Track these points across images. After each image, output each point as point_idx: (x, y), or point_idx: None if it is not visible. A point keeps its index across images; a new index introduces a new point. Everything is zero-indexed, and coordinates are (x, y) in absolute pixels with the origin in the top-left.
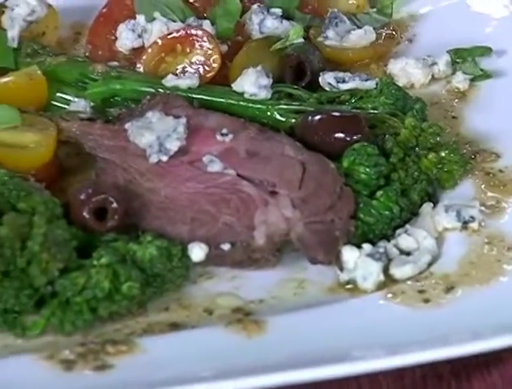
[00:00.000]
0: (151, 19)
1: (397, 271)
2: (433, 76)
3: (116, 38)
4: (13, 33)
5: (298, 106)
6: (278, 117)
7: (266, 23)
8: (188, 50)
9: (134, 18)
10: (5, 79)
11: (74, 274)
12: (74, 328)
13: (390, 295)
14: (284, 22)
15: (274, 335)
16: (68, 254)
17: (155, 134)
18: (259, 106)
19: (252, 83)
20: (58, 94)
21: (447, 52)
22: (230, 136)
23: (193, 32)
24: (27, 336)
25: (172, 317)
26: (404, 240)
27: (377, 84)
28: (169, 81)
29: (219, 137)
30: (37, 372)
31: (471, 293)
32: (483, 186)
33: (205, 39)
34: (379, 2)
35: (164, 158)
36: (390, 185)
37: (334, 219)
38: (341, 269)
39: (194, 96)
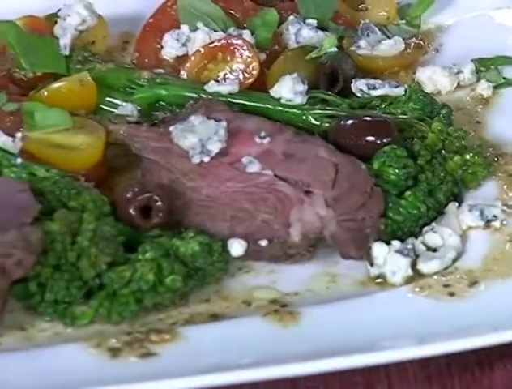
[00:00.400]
0: (194, 29)
1: (424, 267)
2: (458, 84)
3: (161, 47)
4: (65, 41)
5: (331, 111)
6: (312, 121)
7: (302, 34)
8: (229, 58)
9: (179, 28)
10: (57, 84)
11: (120, 267)
12: (120, 318)
13: (417, 289)
14: (319, 32)
15: (308, 325)
16: (115, 248)
17: (198, 136)
18: (295, 111)
19: (288, 90)
20: (107, 98)
21: (472, 61)
22: (268, 139)
23: (233, 41)
24: (77, 325)
25: (212, 308)
26: (431, 237)
27: (405, 91)
28: (211, 87)
29: (257, 139)
30: (86, 359)
31: (493, 288)
32: (505, 187)
33: (245, 48)
34: (408, 14)
35: (206, 159)
36: (417, 185)
37: (365, 217)
38: (371, 264)
39: (234, 100)
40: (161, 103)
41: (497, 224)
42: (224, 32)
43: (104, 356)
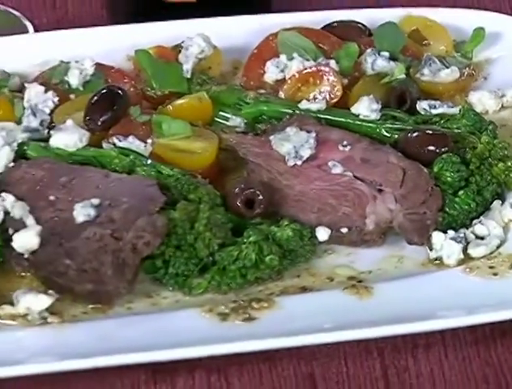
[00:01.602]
0: (290, 58)
1: (473, 251)
2: (502, 105)
3: (264, 72)
4: (187, 67)
5: (400, 125)
6: (384, 133)
7: (377, 63)
8: (318, 82)
9: (278, 57)
10: (181, 101)
11: (229, 248)
12: (228, 289)
13: (467, 269)
14: (391, 62)
15: (379, 298)
16: (225, 233)
17: (292, 144)
18: (370, 125)
19: (366, 108)
20: (220, 113)
21: None
22: (348, 147)
23: (322, 68)
24: (193, 294)
25: (302, 282)
26: (479, 228)
27: (460, 110)
28: (303, 105)
29: (340, 147)
30: (200, 322)
31: None
32: None
33: (331, 74)
34: (462, 48)
35: (299, 162)
36: (468, 186)
37: (426, 211)
38: (431, 249)
39: (321, 116)
40: (263, 117)
41: None
42: (315, 61)
43: (214, 320)
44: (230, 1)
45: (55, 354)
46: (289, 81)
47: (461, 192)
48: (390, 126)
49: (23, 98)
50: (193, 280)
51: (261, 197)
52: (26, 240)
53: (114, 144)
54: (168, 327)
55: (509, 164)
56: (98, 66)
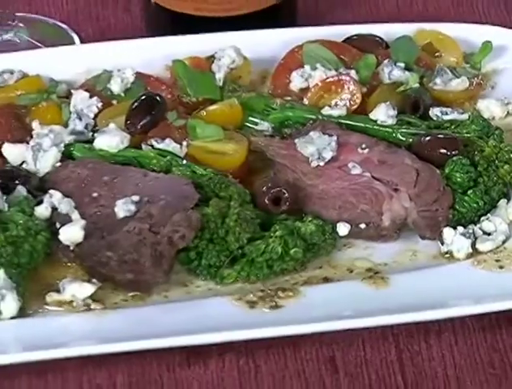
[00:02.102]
0: (314, 69)
1: (481, 246)
2: (507, 112)
3: (290, 81)
4: (219, 76)
5: (414, 130)
6: (400, 137)
7: (393, 73)
8: (339, 90)
9: (303, 67)
10: (213, 107)
11: (257, 242)
12: (256, 279)
13: (475, 263)
14: (406, 72)
15: (394, 288)
16: (253, 228)
17: (315, 146)
18: (387, 129)
19: (383, 114)
20: (250, 118)
21: None
22: (367, 150)
23: (343, 77)
24: (224, 284)
25: (324, 273)
26: (486, 224)
27: (469, 117)
28: (325, 111)
29: (359, 150)
30: (230, 309)
31: None
32: None
33: (351, 83)
34: (471, 60)
35: (321, 163)
36: (477, 186)
37: (438, 209)
38: (442, 243)
39: (342, 121)
40: (289, 122)
41: None
42: (336, 71)
43: (243, 307)
44: (259, 16)
45: (97, 338)
46: (313, 89)
47: (470, 191)
48: (405, 130)
49: (69, 103)
50: (224, 271)
51: (286, 195)
52: (72, 233)
53: (152, 146)
54: (200, 314)
55: None
56: (138, 74)
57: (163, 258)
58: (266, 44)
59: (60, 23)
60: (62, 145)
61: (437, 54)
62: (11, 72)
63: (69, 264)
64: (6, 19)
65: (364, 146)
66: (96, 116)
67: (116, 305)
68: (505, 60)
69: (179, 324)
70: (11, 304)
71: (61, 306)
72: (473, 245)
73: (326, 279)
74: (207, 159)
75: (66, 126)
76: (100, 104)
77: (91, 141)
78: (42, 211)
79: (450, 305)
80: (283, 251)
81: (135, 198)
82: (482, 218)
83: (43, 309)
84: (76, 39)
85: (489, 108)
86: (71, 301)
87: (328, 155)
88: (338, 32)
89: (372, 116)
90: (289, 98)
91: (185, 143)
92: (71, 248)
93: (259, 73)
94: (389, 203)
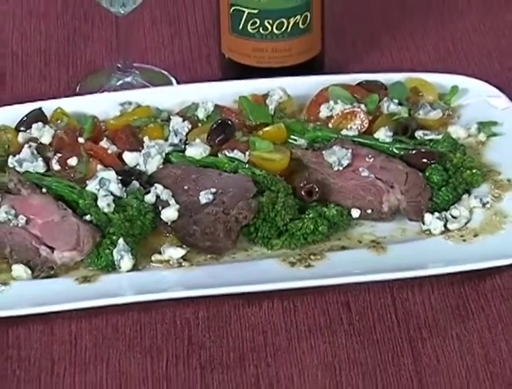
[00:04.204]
0: (336, 103)
1: (450, 226)
2: (469, 134)
3: (319, 111)
4: (271, 107)
5: (404, 146)
6: (395, 150)
7: (390, 107)
8: (353, 118)
9: (328, 102)
10: (267, 129)
11: (296, 221)
12: (295, 247)
13: (446, 237)
14: (399, 106)
15: (390, 254)
16: (294, 211)
17: (336, 156)
18: (386, 145)
19: (383, 134)
20: (291, 136)
21: (476, 123)
22: (372, 159)
23: (356, 109)
24: (274, 250)
25: (341, 243)
26: (454, 211)
27: (442, 137)
28: (344, 132)
29: (367, 159)
30: (277, 267)
31: (486, 238)
32: (492, 187)
33: (361, 113)
34: (444, 98)
35: (341, 168)
36: (448, 185)
37: (421, 200)
38: (423, 224)
39: (355, 139)
40: (318, 139)
41: (488, 205)
42: (351, 105)
43: (286, 266)
44: (299, 67)
45: (186, 286)
46: (335, 117)
47: (443, 188)
48: (399, 146)
49: (169, 125)
50: (273, 241)
51: (317, 189)
52: (169, 214)
53: (225, 155)
54: (257, 270)
55: (474, 171)
56: (216, 106)
57: (231, 232)
58: (303, 85)
59: (163, 71)
60: (164, 153)
61: (420, 94)
62: (130, 103)
63: (167, 235)
64: (126, 67)
65: (370, 156)
66: (187, 134)
67: (199, 263)
68: (467, 98)
69: (242, 277)
70: (127, 262)
71: (161, 264)
72: (445, 225)
73: (343, 248)
74: (262, 164)
75: (166, 140)
76: (189, 126)
77: (183, 151)
78: (149, 198)
79: (429, 266)
80: (314, 228)
81: (213, 190)
82: (451, 207)
83: (149, 266)
84: (174, 81)
85: (456, 131)
86: (168, 260)
87: (345, 162)
88: (352, 78)
89: (375, 136)
90: (319, 123)
91: (247, 153)
92: (169, 224)
93: (298, 105)
94: (387, 195)
